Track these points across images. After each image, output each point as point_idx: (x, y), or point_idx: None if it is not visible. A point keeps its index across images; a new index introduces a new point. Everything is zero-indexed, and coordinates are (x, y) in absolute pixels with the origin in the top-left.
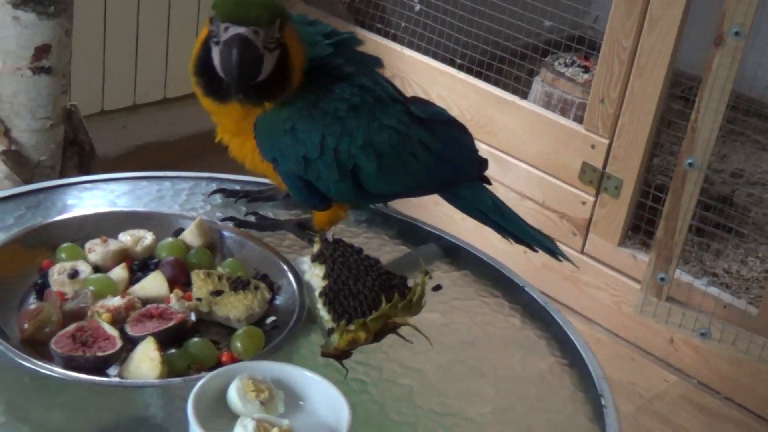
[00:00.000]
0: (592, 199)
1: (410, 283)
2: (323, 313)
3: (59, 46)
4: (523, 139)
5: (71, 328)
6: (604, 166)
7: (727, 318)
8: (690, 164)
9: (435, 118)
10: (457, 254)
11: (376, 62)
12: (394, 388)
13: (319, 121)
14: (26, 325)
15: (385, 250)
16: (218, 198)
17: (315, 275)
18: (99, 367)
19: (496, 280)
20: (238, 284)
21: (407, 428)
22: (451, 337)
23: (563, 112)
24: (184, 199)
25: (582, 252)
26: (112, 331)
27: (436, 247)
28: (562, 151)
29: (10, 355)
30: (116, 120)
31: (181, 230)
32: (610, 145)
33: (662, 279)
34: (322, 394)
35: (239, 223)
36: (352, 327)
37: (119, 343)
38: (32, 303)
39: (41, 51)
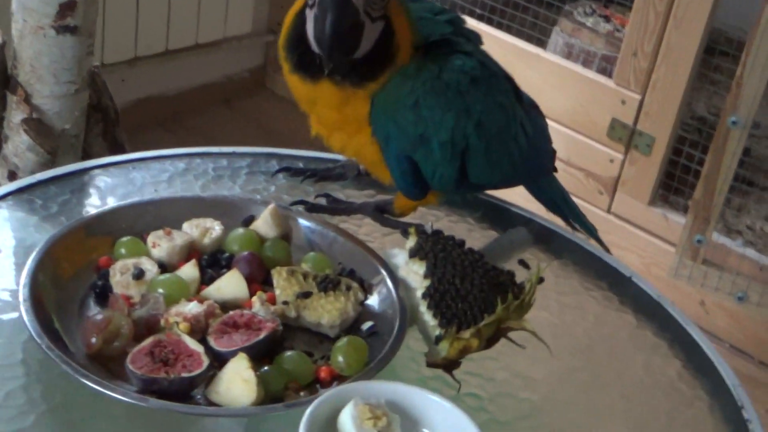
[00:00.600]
0: (621, 156)
1: (517, 278)
2: (428, 317)
3: (86, 2)
4: (548, 94)
5: (148, 343)
6: (635, 123)
7: (764, 280)
8: (733, 122)
9: (528, 101)
10: (549, 239)
11: (479, 39)
12: (515, 404)
13: (442, 94)
14: (94, 339)
15: (473, 236)
16: (281, 178)
17: (413, 272)
18: (184, 390)
19: (598, 269)
20: (327, 284)
21: None
22: (565, 340)
23: (586, 65)
24: (244, 179)
25: (608, 212)
26: (196, 347)
27: (526, 232)
28: (589, 106)
29: (76, 376)
30: (115, 73)
31: (252, 218)
32: (641, 101)
33: (699, 241)
34: (446, 419)
35: (310, 208)
36: (464, 334)
37: (206, 361)
38: (96, 311)
39: (66, 8)
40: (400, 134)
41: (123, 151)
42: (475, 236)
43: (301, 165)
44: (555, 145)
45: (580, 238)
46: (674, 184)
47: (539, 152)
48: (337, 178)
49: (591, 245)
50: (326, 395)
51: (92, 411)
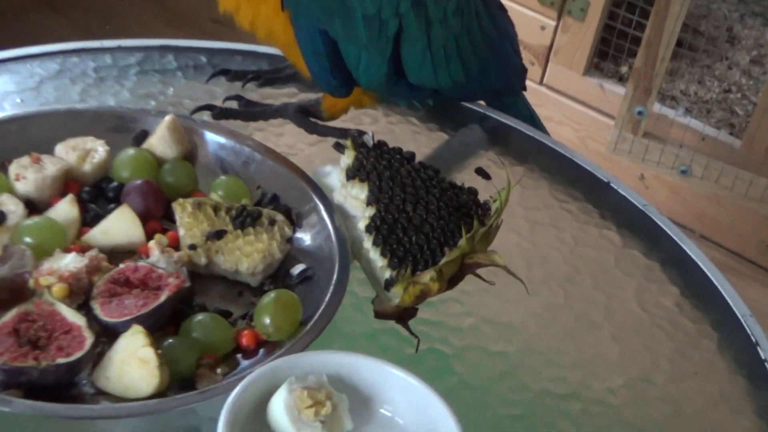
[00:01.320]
0: (552, 23)
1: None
2: (374, 255)
3: None
4: None
5: (10, 317)
6: None
7: (707, 151)
8: None
9: None
10: (509, 139)
11: None
12: (488, 360)
13: None
14: None
15: (419, 140)
16: (182, 77)
17: (352, 197)
18: (61, 381)
19: (572, 174)
20: (245, 218)
21: (521, 425)
22: (541, 270)
23: None
24: (135, 81)
25: (541, 83)
26: (76, 319)
27: (480, 131)
28: None
29: None
30: None
31: (145, 134)
32: None
33: (640, 113)
34: (408, 394)
35: (218, 114)
36: (422, 277)
37: (89, 338)
38: None
39: None
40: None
41: None
42: (422, 140)
43: (234, 66)
44: None
45: (543, 135)
46: (611, 52)
47: (503, 62)
48: (287, 80)
49: (561, 146)
50: (251, 378)
51: None
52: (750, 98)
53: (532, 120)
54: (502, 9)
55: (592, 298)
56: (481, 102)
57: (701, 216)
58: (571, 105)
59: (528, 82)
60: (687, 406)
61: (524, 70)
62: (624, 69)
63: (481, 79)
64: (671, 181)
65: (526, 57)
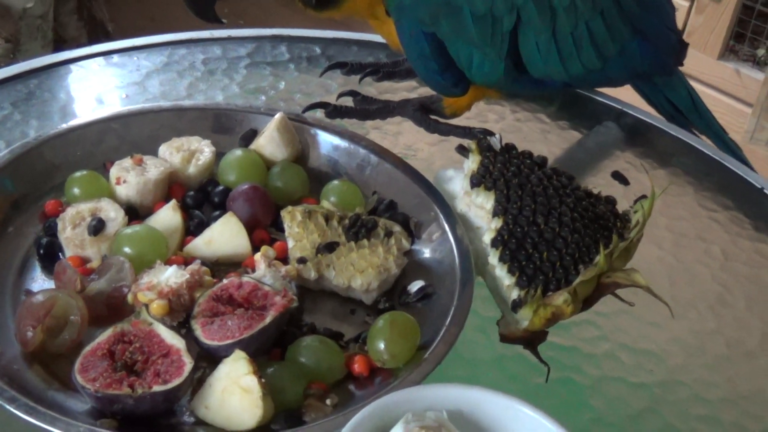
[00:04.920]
0: (686, 4)
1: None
2: (501, 272)
3: None
4: None
5: (106, 337)
6: None
7: None
8: None
9: None
10: (649, 138)
11: None
12: (628, 394)
13: None
14: (30, 333)
15: (548, 139)
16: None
17: (477, 206)
18: (158, 410)
19: (720, 178)
20: (360, 229)
21: None
22: (686, 289)
23: None
24: (244, 74)
25: None
26: (175, 341)
27: (618, 129)
28: None
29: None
30: None
31: (254, 134)
32: None
33: None
34: None
35: (332, 112)
36: (555, 298)
37: (188, 363)
38: (36, 289)
39: None
40: (414, 1)
41: (105, 32)
42: (551, 140)
43: (351, 58)
44: None
45: (688, 134)
46: (748, 35)
47: (651, 42)
48: (407, 73)
49: (705, 143)
50: (363, 414)
51: None
52: None
53: (693, 105)
54: None
55: (747, 322)
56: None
57: None
58: (706, 91)
59: None
60: None
61: (682, 45)
62: (761, 52)
63: (623, 63)
64: None
65: None
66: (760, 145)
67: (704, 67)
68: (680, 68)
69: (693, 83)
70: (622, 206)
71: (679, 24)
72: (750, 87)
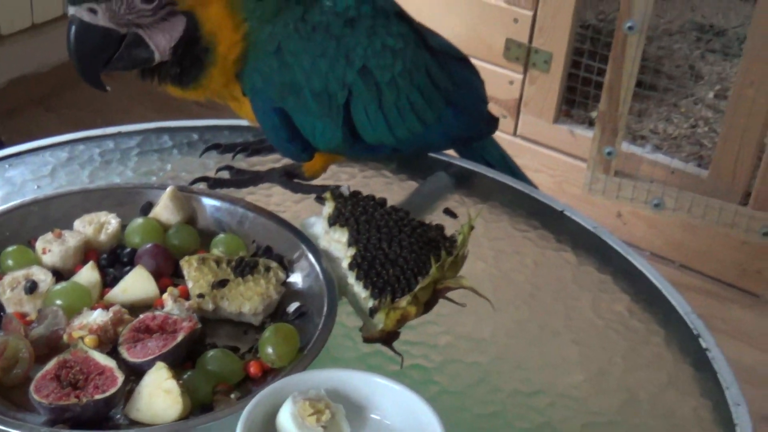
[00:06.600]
0: (520, 77)
1: (445, 230)
2: (358, 288)
3: None
4: (438, 21)
5: (52, 365)
6: (530, 40)
7: (677, 184)
8: (630, 28)
9: (446, 51)
10: (472, 181)
11: None
12: (464, 370)
13: (308, 38)
14: None
15: (392, 189)
16: (177, 154)
17: (335, 241)
18: (100, 414)
19: (529, 206)
20: (244, 267)
21: (496, 421)
22: (507, 291)
23: None
24: (136, 161)
25: (515, 134)
26: (107, 362)
27: (446, 176)
28: (482, 29)
29: None
30: None
31: (150, 205)
32: (534, 17)
33: (609, 153)
34: (394, 401)
35: (213, 184)
36: (400, 302)
37: (120, 377)
38: None
39: None
40: (265, 84)
41: None
42: (395, 189)
43: (223, 140)
44: None
45: (503, 176)
46: (577, 98)
47: (464, 111)
48: (272, 148)
49: (517, 183)
50: (260, 396)
51: None
52: (717, 131)
53: (504, 162)
54: (463, 60)
55: (553, 310)
56: (451, 152)
57: (679, 246)
58: (545, 152)
59: (502, 134)
60: (641, 393)
61: (492, 117)
62: (594, 114)
63: (442, 129)
64: (647, 215)
65: (498, 110)
66: (597, 195)
67: (541, 131)
68: (518, 134)
69: (533, 146)
70: (450, 232)
71: (515, 95)
72: (584, 145)
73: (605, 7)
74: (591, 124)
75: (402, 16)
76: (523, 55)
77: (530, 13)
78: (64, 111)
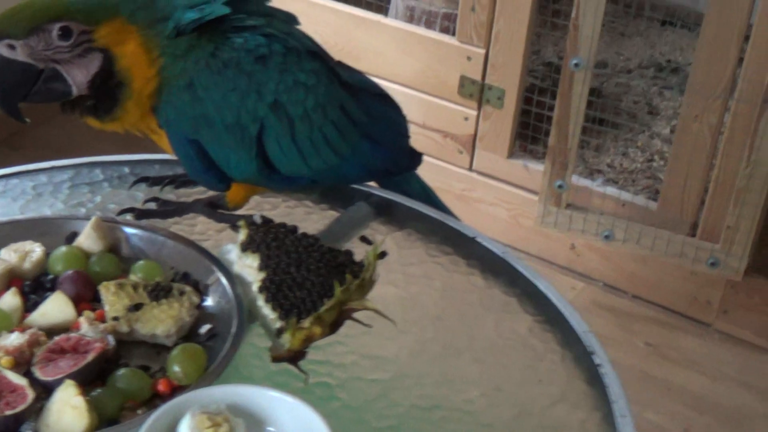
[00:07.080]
0: (474, 113)
1: (356, 256)
2: (267, 311)
3: None
4: (394, 60)
5: None
6: (484, 77)
7: (627, 216)
8: (576, 65)
9: (363, 87)
10: (391, 211)
11: (291, 18)
12: (366, 386)
13: (219, 73)
14: None
15: (312, 218)
16: (107, 187)
17: (247, 266)
18: (9, 428)
19: (443, 234)
20: (159, 292)
21: None
22: (413, 312)
23: (428, 26)
24: (67, 194)
25: (470, 169)
26: (19, 380)
27: (366, 207)
28: (437, 67)
29: None
30: None
31: (75, 235)
32: (486, 55)
33: (560, 186)
34: (291, 415)
35: (139, 215)
36: (305, 323)
37: (30, 395)
38: None
39: None
40: (178, 117)
41: None
42: (315, 219)
43: (153, 173)
44: (407, 109)
45: (421, 205)
46: (530, 133)
47: (381, 144)
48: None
49: (434, 212)
50: (162, 410)
51: None
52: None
53: (426, 194)
54: (381, 95)
55: (457, 330)
56: (372, 183)
57: (632, 277)
58: (501, 186)
59: (458, 169)
60: (532, 407)
61: (415, 152)
62: (544, 148)
63: (359, 161)
64: (600, 247)
65: (454, 146)
66: (549, 228)
67: (496, 165)
68: (474, 169)
69: (488, 180)
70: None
71: (470, 130)
72: (539, 179)
73: (564, 46)
74: (545, 158)
75: (315, 54)
76: (477, 91)
77: (483, 51)
78: (29, 150)
